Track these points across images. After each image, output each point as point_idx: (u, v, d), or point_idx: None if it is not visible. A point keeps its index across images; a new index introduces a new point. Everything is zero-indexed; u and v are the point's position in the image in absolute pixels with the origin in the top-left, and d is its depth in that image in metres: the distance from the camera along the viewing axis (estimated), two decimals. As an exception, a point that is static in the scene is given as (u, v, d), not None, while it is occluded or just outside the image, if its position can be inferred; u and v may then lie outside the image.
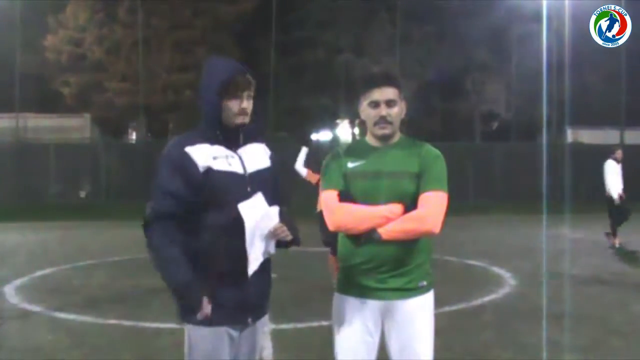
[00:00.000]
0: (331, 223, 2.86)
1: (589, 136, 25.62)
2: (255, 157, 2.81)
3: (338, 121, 35.25)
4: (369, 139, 2.96)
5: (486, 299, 7.44)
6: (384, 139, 2.91)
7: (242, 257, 2.68)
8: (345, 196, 2.86)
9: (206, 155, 2.68)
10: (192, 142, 2.70)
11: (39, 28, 26.44)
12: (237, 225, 2.65)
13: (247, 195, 2.70)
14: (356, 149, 2.97)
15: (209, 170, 2.67)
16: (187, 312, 2.66)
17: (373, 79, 2.93)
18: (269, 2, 26.40)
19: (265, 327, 3.00)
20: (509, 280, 8.60)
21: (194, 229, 2.65)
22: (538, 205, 16.22)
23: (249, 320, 2.77)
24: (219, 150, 2.71)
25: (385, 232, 2.77)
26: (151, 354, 5.52)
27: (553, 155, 21.92)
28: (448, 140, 24.90)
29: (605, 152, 12.81)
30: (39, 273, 9.47)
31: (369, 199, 2.82)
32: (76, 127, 26.19)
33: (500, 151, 24.42)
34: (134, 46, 26.42)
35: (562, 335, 5.84)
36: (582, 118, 26.28)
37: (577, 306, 7.03)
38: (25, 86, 24.27)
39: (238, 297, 2.70)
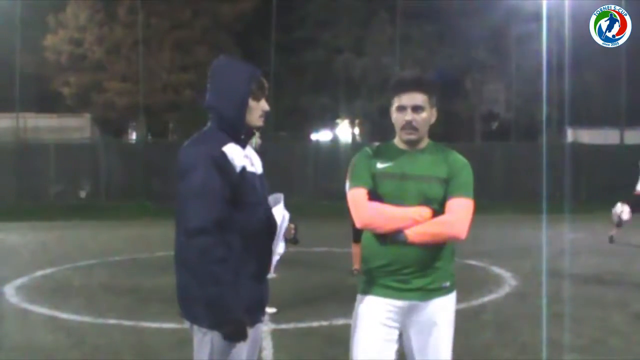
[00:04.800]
0: (359, 220, 2.86)
1: (589, 136, 25.59)
2: (256, 158, 2.83)
3: (338, 121, 35.25)
4: (398, 143, 2.98)
5: (486, 299, 7.45)
6: (411, 144, 2.93)
7: (268, 257, 2.73)
8: (373, 195, 2.88)
9: (240, 155, 2.65)
10: (224, 142, 2.63)
11: (39, 28, 26.41)
12: (268, 227, 2.69)
13: (264, 197, 2.75)
14: (385, 150, 2.98)
15: (243, 170, 2.64)
16: (220, 326, 2.56)
17: (402, 84, 2.92)
18: (269, 2, 26.37)
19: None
20: (509, 280, 8.60)
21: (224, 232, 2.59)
22: (538, 205, 16.24)
23: (262, 318, 2.81)
24: (242, 151, 2.70)
25: (411, 234, 2.78)
26: (151, 354, 5.51)
27: (553, 155, 21.89)
28: (448, 140, 24.83)
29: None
30: (39, 273, 9.47)
31: (396, 200, 2.83)
32: (76, 127, 26.16)
33: (500, 151, 24.39)
34: (134, 46, 26.39)
35: (562, 335, 5.84)
36: (582, 118, 26.27)
37: (577, 306, 7.04)
38: (25, 86, 24.21)
39: (258, 297, 2.73)
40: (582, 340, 5.72)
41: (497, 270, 9.41)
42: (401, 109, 2.88)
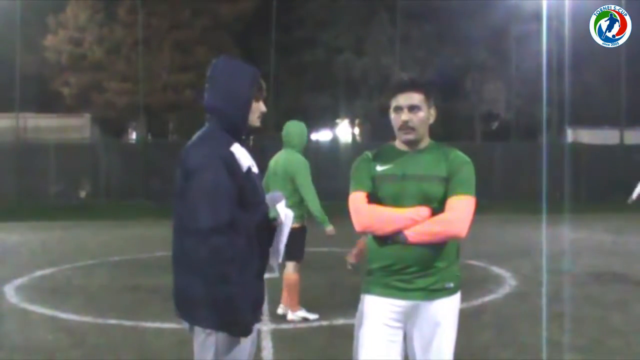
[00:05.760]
0: (358, 224, 2.88)
1: (589, 136, 25.60)
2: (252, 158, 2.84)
3: (338, 121, 35.25)
4: (398, 144, 2.98)
5: (486, 299, 7.45)
6: (410, 144, 2.93)
7: (267, 256, 2.76)
8: (373, 198, 2.89)
9: (245, 156, 2.67)
10: (231, 142, 2.65)
11: (39, 28, 26.42)
12: (268, 226, 2.72)
13: (264, 196, 2.77)
14: (385, 153, 2.99)
15: (249, 170, 2.66)
16: (227, 326, 2.57)
17: (398, 85, 2.94)
18: (269, 2, 26.37)
19: None
20: (509, 280, 8.60)
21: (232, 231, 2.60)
22: (538, 205, 16.23)
23: (261, 317, 2.84)
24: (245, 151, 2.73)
25: (411, 234, 2.79)
26: (151, 354, 5.51)
27: (553, 155, 21.89)
28: (448, 140, 24.81)
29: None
30: (39, 273, 9.47)
31: (396, 202, 2.84)
32: (76, 127, 26.15)
33: (500, 151, 24.40)
34: (134, 46, 26.40)
35: (562, 335, 5.84)
36: (582, 118, 26.26)
37: (577, 306, 7.04)
38: (25, 86, 24.23)
39: (259, 296, 2.74)
40: (582, 340, 5.72)
41: (497, 270, 9.41)
42: (398, 109, 2.89)
